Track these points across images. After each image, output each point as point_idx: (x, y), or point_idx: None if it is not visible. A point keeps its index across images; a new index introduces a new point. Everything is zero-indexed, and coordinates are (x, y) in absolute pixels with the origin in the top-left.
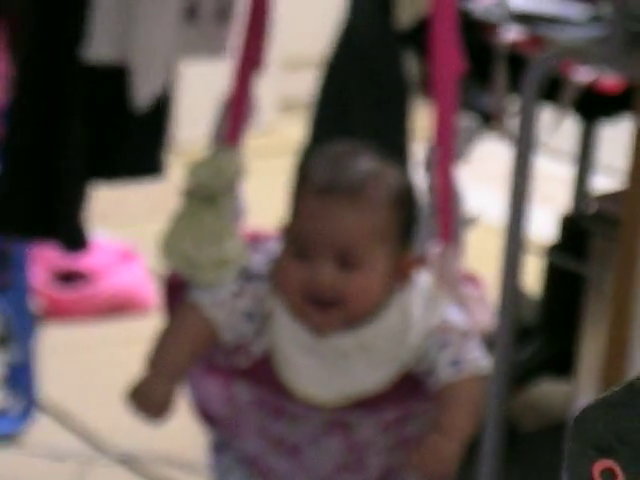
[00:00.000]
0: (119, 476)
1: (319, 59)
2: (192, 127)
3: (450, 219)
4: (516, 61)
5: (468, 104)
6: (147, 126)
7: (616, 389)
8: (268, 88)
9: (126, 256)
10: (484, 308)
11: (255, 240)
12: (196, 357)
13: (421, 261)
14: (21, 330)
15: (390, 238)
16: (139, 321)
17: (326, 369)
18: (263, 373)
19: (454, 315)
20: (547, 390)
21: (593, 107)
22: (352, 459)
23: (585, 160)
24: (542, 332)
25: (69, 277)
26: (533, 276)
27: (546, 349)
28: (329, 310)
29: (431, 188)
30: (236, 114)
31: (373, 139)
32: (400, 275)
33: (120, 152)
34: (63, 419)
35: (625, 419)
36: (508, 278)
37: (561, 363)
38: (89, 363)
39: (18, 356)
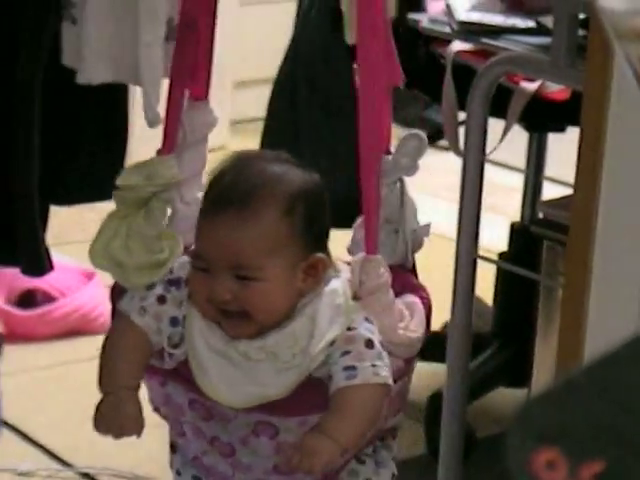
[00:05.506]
0: None
1: (270, 77)
2: (149, 144)
3: (374, 229)
4: (465, 75)
5: (418, 117)
6: (101, 148)
7: (555, 384)
8: (220, 106)
9: (86, 276)
10: (416, 318)
11: None
12: (144, 364)
13: (329, 261)
14: None
15: (287, 245)
16: (99, 340)
17: (235, 373)
18: (190, 375)
19: (362, 324)
20: (503, 396)
21: (540, 117)
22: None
23: (534, 169)
24: (496, 339)
25: (29, 297)
26: (486, 284)
27: (501, 356)
28: (238, 320)
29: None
30: (168, 124)
31: (322, 153)
32: (308, 277)
33: (75, 175)
34: (26, 437)
35: (565, 412)
36: (462, 287)
37: (516, 370)
38: (49, 382)
39: None
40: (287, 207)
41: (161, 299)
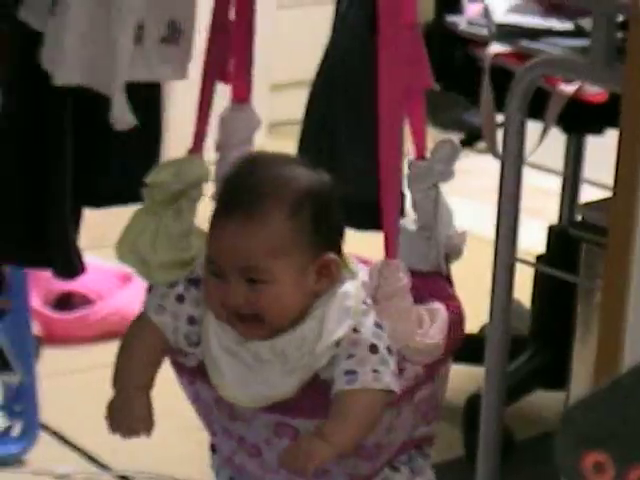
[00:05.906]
0: None
1: (307, 80)
2: (183, 145)
3: (393, 232)
4: (503, 77)
5: (457, 120)
6: (135, 150)
7: (603, 386)
8: (257, 108)
9: (123, 279)
10: (437, 325)
11: None
12: (158, 363)
13: (341, 261)
14: (22, 353)
15: (294, 247)
16: None
17: (245, 373)
18: None
19: (370, 328)
20: (541, 399)
21: (578, 119)
22: None
23: (572, 172)
24: (534, 342)
25: (67, 300)
26: (524, 287)
27: (539, 358)
28: (251, 323)
29: (412, 204)
30: (199, 123)
31: (359, 154)
32: (322, 278)
33: (110, 177)
34: (63, 440)
35: (613, 414)
36: (500, 289)
37: (554, 372)
38: (88, 385)
39: (19, 379)
40: (293, 209)
41: (180, 298)
